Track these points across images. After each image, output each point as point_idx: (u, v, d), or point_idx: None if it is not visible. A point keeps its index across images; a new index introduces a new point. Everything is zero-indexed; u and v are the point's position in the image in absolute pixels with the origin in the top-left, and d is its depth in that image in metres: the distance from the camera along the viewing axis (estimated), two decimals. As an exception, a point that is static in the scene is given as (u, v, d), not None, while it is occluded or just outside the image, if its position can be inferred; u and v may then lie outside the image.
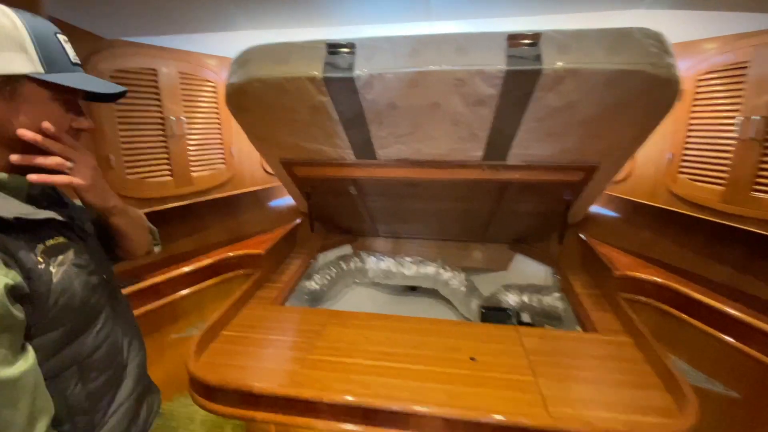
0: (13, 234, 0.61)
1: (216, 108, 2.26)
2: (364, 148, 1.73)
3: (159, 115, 1.99)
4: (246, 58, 1.48)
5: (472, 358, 1.45)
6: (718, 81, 1.69)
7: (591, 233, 2.35)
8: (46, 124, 0.66)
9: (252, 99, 1.54)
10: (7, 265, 0.59)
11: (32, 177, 0.66)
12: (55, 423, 0.66)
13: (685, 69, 1.77)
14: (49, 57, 0.65)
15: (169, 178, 2.08)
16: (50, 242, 0.68)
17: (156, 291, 1.90)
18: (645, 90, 1.27)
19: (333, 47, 1.40)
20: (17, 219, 0.61)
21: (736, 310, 1.48)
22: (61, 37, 0.69)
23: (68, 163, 0.69)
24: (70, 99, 0.70)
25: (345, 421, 1.23)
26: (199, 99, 2.17)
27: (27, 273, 0.61)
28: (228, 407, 1.30)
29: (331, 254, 2.70)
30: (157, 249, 1.03)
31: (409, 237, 2.78)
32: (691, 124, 1.82)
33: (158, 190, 2.04)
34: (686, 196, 1.84)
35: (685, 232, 2.04)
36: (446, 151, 1.67)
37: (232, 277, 2.18)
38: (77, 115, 0.73)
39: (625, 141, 1.54)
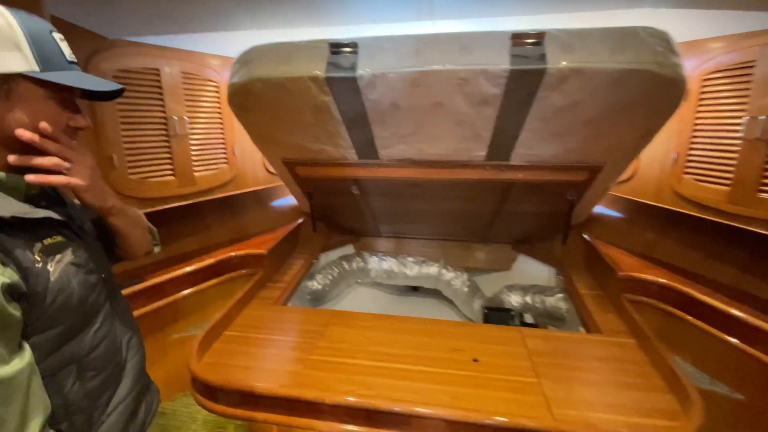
0: (10, 232, 0.62)
1: (218, 108, 2.26)
2: (367, 148, 1.73)
3: (162, 114, 1.99)
4: (248, 57, 1.47)
5: (475, 360, 1.44)
6: (723, 80, 1.68)
7: (595, 234, 2.34)
8: (44, 124, 0.66)
9: (254, 99, 1.53)
10: (3, 263, 0.59)
11: (30, 177, 0.66)
12: (53, 421, 0.66)
13: (691, 68, 1.76)
14: (44, 55, 0.65)
15: (171, 177, 2.08)
16: (48, 241, 0.68)
17: (159, 291, 1.91)
18: (650, 90, 1.26)
19: (335, 47, 1.39)
20: (14, 217, 0.61)
21: (741, 311, 1.47)
22: (57, 36, 0.69)
23: (65, 164, 0.70)
24: (67, 97, 0.70)
25: (347, 422, 1.22)
26: (202, 99, 2.17)
27: (24, 271, 0.61)
28: (230, 408, 1.30)
29: (334, 254, 2.70)
30: (156, 249, 1.03)
31: (411, 237, 2.78)
32: (697, 124, 1.80)
33: (161, 189, 2.04)
34: (691, 196, 1.82)
35: (689, 232, 2.03)
36: (449, 151, 1.66)
37: (234, 277, 2.19)
38: (74, 113, 0.73)
39: (630, 141, 1.53)
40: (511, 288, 2.26)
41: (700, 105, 1.78)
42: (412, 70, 1.33)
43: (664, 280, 1.76)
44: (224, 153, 2.34)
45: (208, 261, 2.08)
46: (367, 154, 1.76)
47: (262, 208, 2.78)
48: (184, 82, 2.05)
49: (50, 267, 0.66)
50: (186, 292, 2.03)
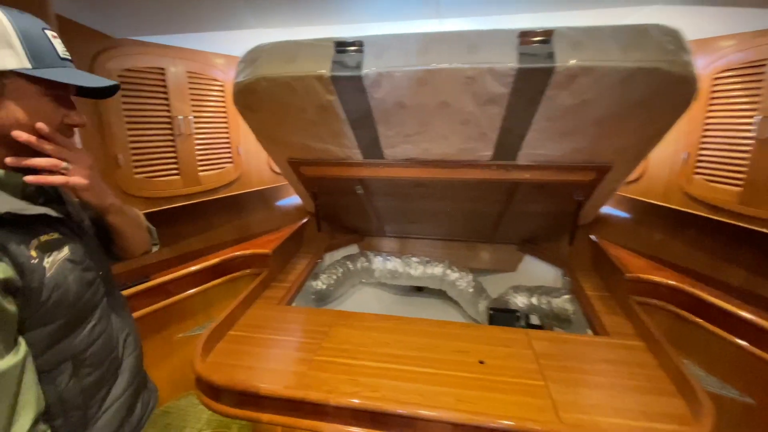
0: (5, 229, 0.62)
1: (224, 107, 2.26)
2: (372, 148, 1.71)
3: (167, 114, 1.99)
4: (253, 56, 1.46)
5: (480, 362, 1.43)
6: (735, 79, 1.65)
7: (602, 234, 2.31)
8: (40, 125, 0.67)
9: (259, 98, 1.53)
10: None
11: (29, 178, 0.67)
12: (48, 417, 0.67)
13: (701, 67, 1.73)
14: (36, 52, 0.65)
15: (176, 177, 2.09)
16: (45, 238, 0.68)
17: (164, 290, 1.91)
18: (661, 88, 1.24)
19: (341, 45, 1.38)
20: (9, 214, 0.62)
21: (751, 313, 1.44)
22: (50, 33, 0.69)
23: (63, 164, 0.70)
24: (61, 94, 0.71)
25: (352, 424, 1.21)
26: (207, 98, 2.17)
27: (20, 267, 0.62)
28: (234, 408, 1.29)
29: (338, 254, 2.69)
30: (155, 248, 1.03)
31: (416, 237, 2.76)
32: (707, 124, 1.77)
33: (166, 189, 2.04)
34: (702, 197, 1.80)
35: (699, 233, 2.00)
36: (455, 150, 1.65)
37: (239, 276, 2.18)
38: (69, 110, 0.73)
39: (640, 141, 1.51)
40: (516, 289, 2.24)
41: (711, 104, 1.75)
42: (419, 68, 1.32)
43: (672, 282, 1.74)
44: (229, 152, 2.34)
45: (213, 260, 2.08)
46: (372, 154, 1.75)
47: (267, 207, 2.78)
48: (189, 81, 2.05)
49: (46, 263, 0.67)
50: (191, 291, 2.03)
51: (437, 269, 2.48)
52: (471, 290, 2.38)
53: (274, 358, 1.46)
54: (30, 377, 0.62)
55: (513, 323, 2.04)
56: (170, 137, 2.02)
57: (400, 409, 1.17)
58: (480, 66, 1.28)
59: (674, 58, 1.18)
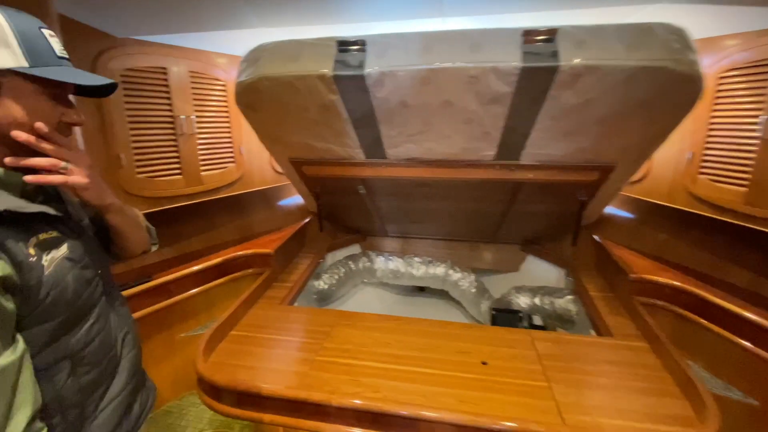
0: (4, 227, 0.63)
1: (226, 107, 2.26)
2: (374, 148, 1.71)
3: (169, 113, 1.99)
4: (256, 56, 1.46)
5: (483, 363, 1.42)
6: (740, 79, 1.64)
7: (605, 235, 2.30)
8: (39, 124, 0.67)
9: (261, 97, 1.53)
10: None
11: (29, 178, 0.68)
12: (46, 415, 0.67)
13: (706, 66, 1.71)
14: (33, 51, 0.66)
15: (179, 176, 2.09)
16: (43, 236, 0.69)
17: (166, 290, 1.91)
18: (667, 87, 1.23)
19: (343, 45, 1.37)
20: (7, 211, 0.63)
21: (756, 314, 1.43)
22: (47, 32, 0.70)
23: (61, 163, 0.71)
24: (59, 93, 0.71)
25: (353, 425, 1.21)
26: (209, 98, 2.16)
27: (18, 265, 0.63)
28: (236, 408, 1.29)
29: (340, 254, 2.69)
30: (154, 248, 1.04)
31: (418, 237, 2.76)
32: (712, 123, 1.76)
33: (168, 188, 2.04)
34: (706, 197, 1.78)
35: (703, 234, 1.99)
36: (458, 150, 1.64)
37: (241, 276, 2.18)
38: (67, 109, 0.73)
39: (644, 140, 1.50)
40: (519, 289, 2.23)
41: (716, 104, 1.74)
42: (422, 67, 1.31)
43: (677, 283, 1.73)
44: (231, 152, 2.34)
45: (215, 260, 2.08)
46: (374, 154, 1.75)
47: (269, 207, 2.78)
48: (191, 81, 2.05)
49: (45, 261, 0.67)
50: (193, 291, 2.03)
51: (439, 269, 2.47)
52: (473, 290, 2.38)
53: (276, 358, 1.46)
54: (27, 375, 0.62)
55: (516, 324, 2.03)
56: (172, 137, 2.02)
57: (402, 410, 1.17)
58: (483, 65, 1.27)
59: (680, 57, 1.17)
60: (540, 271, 2.48)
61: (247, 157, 2.44)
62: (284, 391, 1.25)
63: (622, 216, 2.37)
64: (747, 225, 1.61)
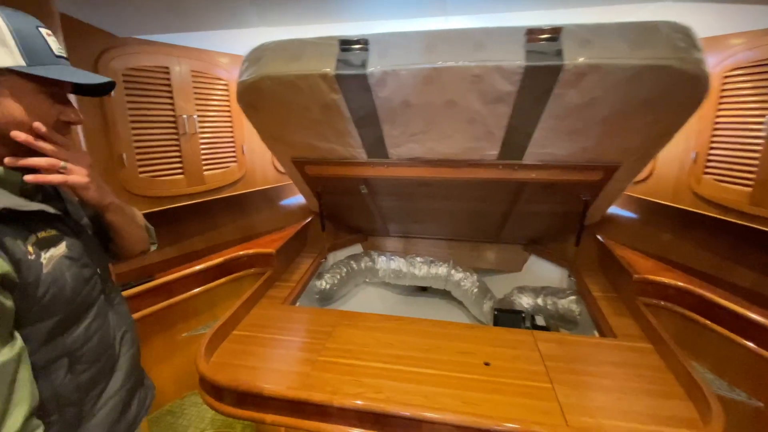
0: (3, 225, 0.63)
1: (228, 106, 2.26)
2: (376, 147, 1.70)
3: (171, 113, 1.99)
4: (258, 55, 1.46)
5: (486, 363, 1.41)
6: (745, 78, 1.63)
7: (609, 235, 2.29)
8: (37, 124, 0.68)
9: (263, 97, 1.52)
10: None
11: (29, 178, 0.69)
12: (43, 413, 0.67)
13: (711, 65, 1.70)
14: (30, 50, 0.66)
15: (181, 176, 2.08)
16: (42, 234, 0.70)
17: (168, 289, 1.91)
18: (672, 86, 1.22)
19: (346, 44, 1.37)
20: (6, 209, 0.63)
21: (761, 315, 1.42)
22: (44, 31, 0.70)
23: (61, 163, 0.71)
24: (57, 92, 0.72)
25: (355, 425, 1.20)
26: (211, 97, 2.16)
27: (16, 263, 0.63)
28: (237, 409, 1.28)
29: (342, 253, 2.68)
30: (153, 248, 1.04)
31: (420, 237, 2.75)
32: (717, 123, 1.75)
33: (170, 188, 2.04)
34: (711, 197, 1.77)
35: (707, 234, 1.97)
36: (461, 149, 1.63)
37: (243, 276, 2.18)
38: (65, 107, 0.74)
39: (649, 140, 1.48)
40: (522, 289, 2.22)
41: (721, 103, 1.72)
42: (425, 67, 1.31)
43: (681, 283, 1.72)
44: (233, 151, 2.34)
45: (217, 260, 2.08)
46: (376, 153, 1.74)
47: (271, 206, 2.78)
48: (193, 80, 2.04)
49: (43, 259, 0.68)
50: (195, 290, 2.03)
51: (441, 269, 2.47)
52: (476, 290, 2.37)
53: (278, 359, 1.45)
54: (25, 372, 0.62)
55: (518, 324, 2.02)
56: (174, 136, 2.02)
57: (404, 411, 1.16)
58: (487, 64, 1.26)
59: (685, 55, 1.16)
60: (543, 271, 2.47)
61: (249, 157, 2.43)
62: (286, 392, 1.24)
63: (625, 216, 2.36)
64: (752, 225, 1.60)
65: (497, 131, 1.51)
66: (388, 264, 2.55)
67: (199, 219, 2.40)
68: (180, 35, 1.92)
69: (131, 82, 1.82)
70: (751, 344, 1.45)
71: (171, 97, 1.97)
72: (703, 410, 1.16)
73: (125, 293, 1.73)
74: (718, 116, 1.74)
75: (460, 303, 2.52)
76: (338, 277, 2.38)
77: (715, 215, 1.76)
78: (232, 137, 2.31)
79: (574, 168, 1.66)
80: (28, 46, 0.66)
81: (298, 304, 2.01)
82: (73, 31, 1.54)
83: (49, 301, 0.67)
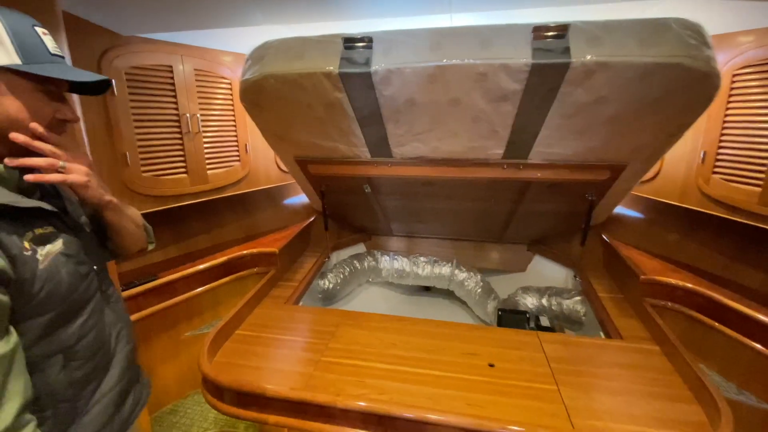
0: (0, 221, 0.64)
1: (231, 105, 2.25)
2: (380, 146, 1.69)
3: (174, 112, 1.98)
4: (261, 53, 1.45)
5: (490, 365, 1.40)
6: (755, 76, 1.60)
7: (615, 235, 2.27)
8: (34, 125, 0.69)
9: (266, 95, 1.51)
10: None
11: (28, 177, 0.69)
12: (38, 409, 0.68)
13: (720, 63, 1.67)
14: (26, 49, 0.67)
15: (184, 175, 2.08)
16: (39, 231, 0.70)
17: (171, 288, 1.91)
18: (682, 84, 1.20)
19: (349, 42, 1.36)
20: (3, 206, 0.64)
21: (770, 318, 1.40)
22: (40, 30, 0.71)
23: (59, 163, 0.72)
24: (53, 90, 0.73)
25: (359, 427, 1.19)
26: (215, 96, 2.16)
27: (12, 259, 0.64)
28: (240, 409, 1.28)
29: (345, 253, 2.68)
30: (151, 246, 1.04)
31: (424, 236, 2.74)
32: (727, 122, 1.72)
33: (173, 187, 2.04)
34: (720, 197, 1.74)
35: (715, 234, 1.95)
36: (465, 148, 1.62)
37: (246, 275, 2.18)
38: (61, 105, 0.74)
39: (657, 139, 1.46)
40: (526, 290, 2.21)
41: (730, 101, 1.70)
42: (429, 64, 1.29)
43: (688, 284, 1.69)
44: (237, 150, 2.34)
45: (221, 259, 2.08)
46: (380, 152, 1.73)
47: (274, 206, 2.78)
48: (197, 79, 2.04)
49: (40, 256, 0.68)
50: (198, 290, 2.03)
51: (445, 269, 2.45)
52: (479, 290, 2.35)
53: (281, 359, 1.45)
54: (19, 366, 0.63)
55: (522, 325, 2.01)
56: (178, 135, 2.02)
57: (408, 413, 1.15)
58: (493, 62, 1.25)
59: (696, 53, 1.14)
60: (547, 271, 2.45)
61: (252, 156, 2.43)
62: (289, 392, 1.23)
63: (632, 216, 2.33)
64: (761, 225, 1.58)
65: (502, 130, 1.49)
66: (391, 263, 2.54)
67: (202, 218, 2.40)
68: (183, 34, 1.91)
69: (134, 81, 1.81)
70: (759, 346, 1.43)
71: (174, 96, 1.96)
72: (712, 413, 1.14)
73: (129, 292, 1.73)
74: (727, 115, 1.71)
75: (463, 303, 2.51)
76: (341, 276, 2.37)
77: (723, 215, 1.73)
78: (235, 136, 2.31)
79: (581, 167, 1.64)
80: (23, 45, 0.66)
81: (301, 303, 2.00)
82: (76, 29, 1.54)
83: (44, 297, 0.68)
